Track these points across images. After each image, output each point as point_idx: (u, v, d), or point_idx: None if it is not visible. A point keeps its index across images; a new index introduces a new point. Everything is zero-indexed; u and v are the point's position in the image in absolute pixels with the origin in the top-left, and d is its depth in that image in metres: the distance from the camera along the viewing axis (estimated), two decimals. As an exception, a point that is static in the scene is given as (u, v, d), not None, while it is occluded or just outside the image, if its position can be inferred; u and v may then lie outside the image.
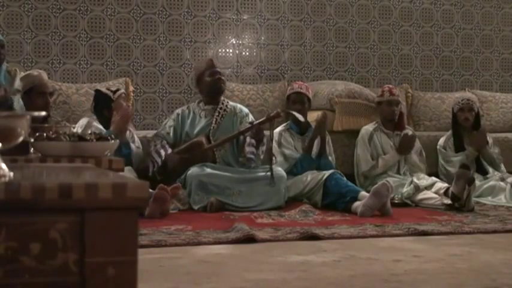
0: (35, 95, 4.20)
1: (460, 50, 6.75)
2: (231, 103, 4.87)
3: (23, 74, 4.27)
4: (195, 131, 4.68)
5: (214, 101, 4.76)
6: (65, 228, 1.13)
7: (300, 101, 4.83)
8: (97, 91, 4.67)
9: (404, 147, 5.01)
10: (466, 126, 5.27)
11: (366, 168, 5.02)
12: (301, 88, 4.88)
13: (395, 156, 5.00)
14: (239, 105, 4.91)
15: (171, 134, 4.70)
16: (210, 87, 4.71)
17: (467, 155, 5.13)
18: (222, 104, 4.77)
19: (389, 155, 5.02)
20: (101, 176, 1.33)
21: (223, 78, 4.80)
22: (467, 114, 5.24)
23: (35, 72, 4.38)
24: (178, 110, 4.85)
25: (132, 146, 4.51)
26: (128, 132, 4.63)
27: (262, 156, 4.60)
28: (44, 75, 4.37)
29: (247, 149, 4.56)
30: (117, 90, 4.63)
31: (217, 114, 4.72)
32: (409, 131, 5.15)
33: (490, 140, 5.36)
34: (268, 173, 4.35)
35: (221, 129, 4.68)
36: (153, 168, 4.55)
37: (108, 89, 4.64)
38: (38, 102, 4.15)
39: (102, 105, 4.55)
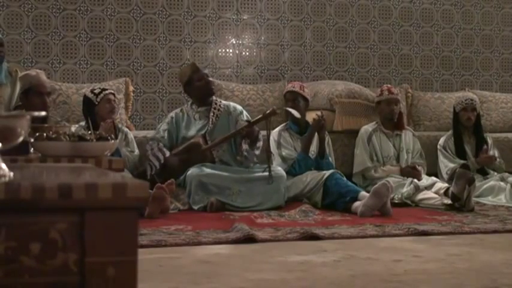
0: (32, 95, 4.12)
1: (460, 50, 6.75)
2: (223, 102, 4.88)
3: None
4: (191, 133, 4.68)
5: (206, 102, 4.77)
6: (65, 228, 1.13)
7: (292, 99, 4.87)
8: (84, 95, 4.65)
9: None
10: (467, 125, 5.27)
11: (358, 170, 5.01)
12: (294, 87, 4.93)
13: (396, 172, 4.98)
14: (232, 104, 4.92)
15: (166, 137, 4.69)
16: (201, 91, 4.74)
17: (469, 164, 5.11)
18: (215, 104, 4.78)
19: (392, 168, 4.98)
20: (101, 176, 1.33)
21: (211, 80, 4.84)
22: (470, 114, 5.25)
23: (32, 72, 4.31)
24: (172, 114, 4.85)
25: (123, 150, 4.50)
26: (120, 135, 4.62)
27: (258, 152, 4.61)
28: (42, 75, 4.31)
29: (244, 146, 4.57)
30: (101, 91, 4.56)
31: (212, 114, 4.72)
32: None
33: (490, 141, 5.36)
34: (266, 172, 4.36)
35: (217, 130, 4.68)
36: (151, 171, 4.53)
37: (92, 92, 4.57)
38: (36, 103, 4.07)
39: (87, 110, 4.54)
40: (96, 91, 4.58)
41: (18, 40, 5.57)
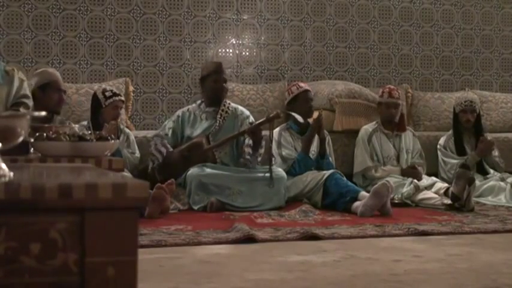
0: (51, 90, 4.30)
1: (460, 50, 6.75)
2: (232, 104, 4.86)
3: (21, 73, 4.28)
4: (196, 133, 4.68)
5: (214, 103, 4.76)
6: (65, 228, 1.13)
7: (310, 99, 4.85)
8: (94, 93, 4.68)
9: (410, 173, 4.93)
10: (467, 127, 5.27)
11: (359, 170, 5.01)
12: (307, 86, 4.91)
13: (397, 172, 4.96)
14: (240, 107, 4.91)
15: (170, 135, 4.70)
16: (212, 92, 4.74)
17: (469, 160, 5.12)
18: (224, 106, 4.77)
19: (393, 168, 4.98)
20: (101, 176, 1.33)
21: (226, 86, 4.80)
22: (469, 115, 5.24)
23: (50, 69, 4.54)
24: (179, 112, 4.85)
25: (124, 152, 4.51)
26: (122, 136, 4.62)
27: (259, 159, 4.60)
28: (58, 74, 4.49)
29: (246, 149, 4.57)
30: (112, 96, 4.57)
31: (219, 116, 4.72)
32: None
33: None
34: (267, 174, 4.36)
35: (222, 131, 4.68)
36: (153, 165, 4.54)
37: (103, 93, 4.59)
38: (54, 97, 4.29)
39: (94, 110, 4.58)
40: (107, 94, 4.58)
41: (18, 40, 5.57)
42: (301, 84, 4.92)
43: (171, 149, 4.58)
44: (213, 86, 4.72)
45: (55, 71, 4.52)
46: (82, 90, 5.29)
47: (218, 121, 4.69)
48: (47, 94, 4.29)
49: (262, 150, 4.59)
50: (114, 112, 4.56)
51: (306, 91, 4.85)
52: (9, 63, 5.25)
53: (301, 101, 4.81)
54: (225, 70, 4.83)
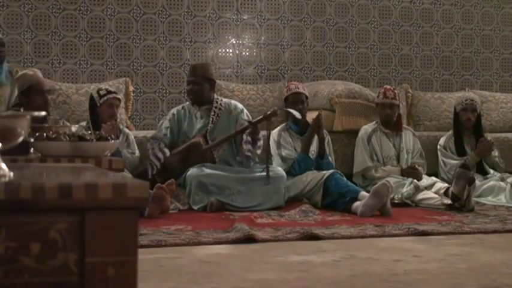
0: (33, 93, 4.19)
1: (460, 50, 6.75)
2: (224, 100, 4.86)
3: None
4: (193, 132, 4.68)
5: (202, 102, 4.76)
6: (65, 228, 1.13)
7: (300, 101, 4.82)
8: (90, 94, 4.68)
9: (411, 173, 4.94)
10: (467, 126, 5.27)
11: (359, 170, 5.01)
12: (298, 88, 4.88)
13: (397, 172, 4.96)
14: (233, 102, 4.90)
15: (168, 134, 4.69)
16: (188, 94, 4.83)
17: (468, 160, 5.11)
18: (216, 102, 4.77)
19: (392, 168, 4.97)
20: (101, 176, 1.33)
21: (193, 88, 4.69)
22: (470, 114, 5.24)
23: (30, 71, 4.38)
24: (174, 110, 4.85)
25: (124, 152, 4.50)
26: (121, 136, 4.61)
27: (259, 152, 4.60)
28: (39, 74, 4.37)
29: (245, 147, 4.57)
30: (106, 94, 4.54)
31: (212, 114, 4.72)
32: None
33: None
34: (264, 173, 4.35)
35: (218, 129, 4.68)
36: (152, 171, 4.54)
37: (98, 92, 4.57)
38: (37, 101, 4.16)
39: (91, 110, 4.59)
40: (102, 92, 4.56)
41: (18, 40, 5.57)
42: (292, 86, 4.91)
43: (168, 154, 4.56)
44: (186, 88, 4.84)
45: (36, 72, 4.39)
46: (82, 90, 5.29)
47: (211, 119, 4.69)
48: (31, 98, 4.17)
49: (260, 143, 4.59)
50: (109, 110, 4.52)
51: (294, 94, 4.83)
52: (10, 63, 5.25)
53: (290, 103, 4.81)
54: (202, 72, 4.70)
